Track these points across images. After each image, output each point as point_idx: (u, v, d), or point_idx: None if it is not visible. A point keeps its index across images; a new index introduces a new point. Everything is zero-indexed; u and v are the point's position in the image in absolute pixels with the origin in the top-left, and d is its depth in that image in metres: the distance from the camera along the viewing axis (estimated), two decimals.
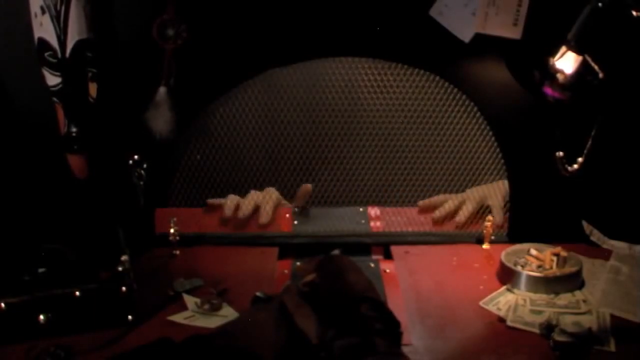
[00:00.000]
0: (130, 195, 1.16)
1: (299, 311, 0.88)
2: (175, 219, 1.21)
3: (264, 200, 1.31)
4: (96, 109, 1.12)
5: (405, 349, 0.92)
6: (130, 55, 1.14)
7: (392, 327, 0.86)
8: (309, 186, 1.32)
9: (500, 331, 0.99)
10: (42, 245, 1.03)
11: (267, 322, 0.88)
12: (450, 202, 1.32)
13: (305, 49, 1.19)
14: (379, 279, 1.14)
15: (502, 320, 1.00)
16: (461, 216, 1.29)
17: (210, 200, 1.31)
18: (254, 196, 1.32)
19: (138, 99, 1.15)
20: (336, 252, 1.07)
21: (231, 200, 1.31)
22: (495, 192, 1.30)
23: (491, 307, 1.04)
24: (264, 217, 1.29)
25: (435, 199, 1.33)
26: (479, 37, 1.14)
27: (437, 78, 1.24)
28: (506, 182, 1.29)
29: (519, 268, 1.10)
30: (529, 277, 1.08)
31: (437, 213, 1.31)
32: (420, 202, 1.33)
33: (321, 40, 1.17)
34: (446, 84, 1.24)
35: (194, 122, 1.23)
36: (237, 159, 1.32)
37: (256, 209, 1.31)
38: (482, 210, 1.30)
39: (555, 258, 1.12)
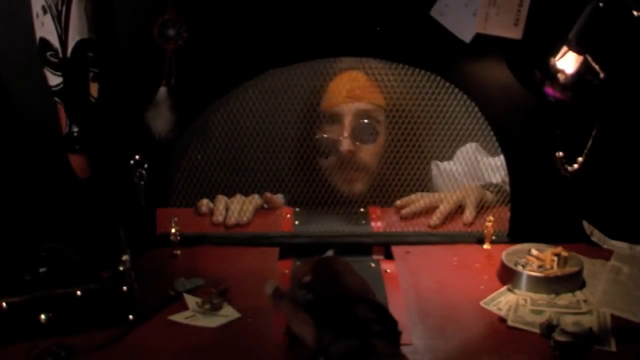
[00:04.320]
0: (131, 195, 1.16)
1: (295, 317, 0.88)
2: (176, 219, 1.21)
3: (247, 202, 1.32)
4: (97, 109, 1.12)
5: (406, 349, 0.92)
6: (131, 55, 1.14)
7: (390, 327, 0.86)
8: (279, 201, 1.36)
9: (501, 331, 0.99)
10: (43, 244, 1.03)
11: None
12: (422, 200, 1.32)
13: (305, 49, 1.19)
14: (380, 279, 1.14)
15: (502, 320, 1.00)
16: (435, 219, 1.29)
17: (200, 209, 1.32)
18: (239, 200, 1.33)
19: (139, 99, 1.15)
20: (330, 253, 1.06)
21: (219, 201, 1.32)
22: (472, 192, 1.31)
23: (492, 307, 1.04)
24: (245, 216, 1.30)
25: (411, 197, 1.33)
26: (479, 37, 1.14)
27: (437, 78, 1.24)
28: (479, 186, 1.32)
29: (519, 268, 1.10)
30: (530, 277, 1.08)
31: (404, 212, 1.31)
32: (398, 202, 1.33)
33: (321, 40, 1.17)
34: (446, 84, 1.24)
35: (195, 122, 1.23)
36: (238, 159, 1.32)
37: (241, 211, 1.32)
38: (457, 211, 1.31)
39: (556, 258, 1.11)
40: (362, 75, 1.33)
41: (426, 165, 1.32)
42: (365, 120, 1.35)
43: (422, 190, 1.33)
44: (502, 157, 1.34)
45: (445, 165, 1.41)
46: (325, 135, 1.35)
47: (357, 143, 1.35)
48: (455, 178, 1.36)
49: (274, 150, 1.35)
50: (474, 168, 1.36)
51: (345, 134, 1.34)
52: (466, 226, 1.29)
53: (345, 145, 1.34)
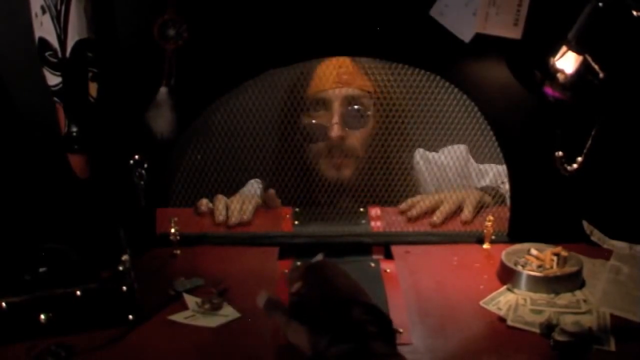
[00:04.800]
0: (131, 195, 1.16)
1: (289, 327, 0.88)
2: (175, 219, 1.21)
3: (246, 201, 1.32)
4: (97, 109, 1.12)
5: (406, 349, 0.92)
6: (131, 55, 1.14)
7: (385, 327, 0.85)
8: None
9: (500, 331, 0.99)
10: (43, 244, 1.03)
11: None
12: (425, 201, 1.32)
13: (305, 49, 1.19)
14: (380, 278, 1.14)
15: (502, 319, 1.01)
16: (437, 217, 1.30)
17: (200, 209, 1.32)
18: (238, 199, 1.33)
19: (139, 99, 1.15)
20: (319, 257, 1.05)
21: (219, 201, 1.32)
22: (471, 194, 1.32)
23: (491, 307, 1.04)
24: (246, 215, 1.30)
25: (414, 199, 1.34)
26: (479, 37, 1.14)
27: (437, 78, 1.24)
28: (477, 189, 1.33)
29: (519, 268, 1.10)
30: (530, 277, 1.08)
31: (413, 212, 1.32)
32: (404, 205, 1.33)
33: (321, 40, 1.17)
34: (446, 84, 1.24)
35: (195, 122, 1.23)
36: (238, 159, 1.32)
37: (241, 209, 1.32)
38: (457, 211, 1.31)
39: (555, 258, 1.12)
40: (350, 61, 1.33)
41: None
42: (355, 107, 1.35)
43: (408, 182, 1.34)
44: (487, 166, 1.36)
45: (432, 155, 1.41)
46: (314, 121, 1.35)
47: (346, 129, 1.35)
48: (445, 171, 1.36)
49: (274, 150, 1.35)
50: (461, 166, 1.36)
51: (335, 120, 1.34)
52: (465, 225, 1.29)
53: (336, 131, 1.34)
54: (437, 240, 1.27)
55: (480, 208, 1.32)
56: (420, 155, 1.44)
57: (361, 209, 1.35)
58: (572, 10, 1.02)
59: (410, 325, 0.99)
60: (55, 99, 1.10)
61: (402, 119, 1.28)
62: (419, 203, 1.33)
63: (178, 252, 1.21)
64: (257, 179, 1.46)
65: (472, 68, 1.19)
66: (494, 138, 1.24)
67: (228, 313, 1.02)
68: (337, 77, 1.33)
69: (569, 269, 1.10)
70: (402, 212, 1.33)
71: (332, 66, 1.33)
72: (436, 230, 1.29)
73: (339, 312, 0.84)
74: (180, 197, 1.30)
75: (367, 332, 0.81)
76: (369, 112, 1.36)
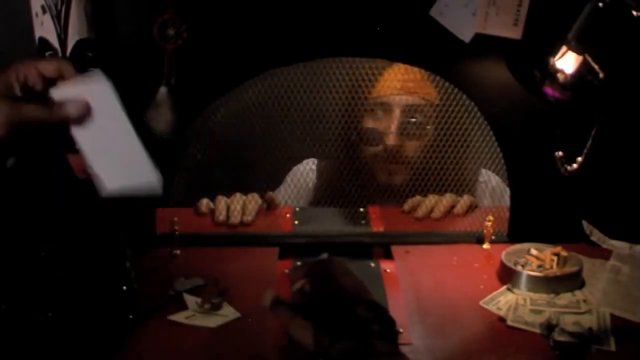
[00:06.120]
0: (131, 195, 1.16)
1: (293, 323, 0.88)
2: (176, 219, 1.21)
3: (247, 201, 1.33)
4: None
5: (406, 349, 0.92)
6: (131, 55, 1.14)
7: (388, 327, 0.85)
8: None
9: (500, 331, 0.99)
10: (42, 245, 1.03)
11: None
12: (426, 201, 1.34)
13: (305, 49, 1.19)
14: (380, 278, 1.14)
15: (502, 319, 1.01)
16: (437, 212, 1.32)
17: (200, 209, 1.33)
18: (239, 199, 1.33)
19: (139, 99, 1.15)
20: (324, 255, 1.06)
21: (219, 201, 1.32)
22: (466, 196, 1.35)
23: (491, 307, 1.04)
24: (250, 215, 1.31)
25: (414, 199, 1.35)
26: (479, 37, 1.14)
27: (437, 78, 1.24)
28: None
29: (519, 268, 1.10)
30: (529, 277, 1.08)
31: (419, 212, 1.33)
32: (406, 206, 1.35)
33: (321, 40, 1.17)
34: (446, 84, 1.24)
35: (195, 122, 1.23)
36: (238, 159, 1.32)
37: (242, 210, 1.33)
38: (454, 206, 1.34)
39: (555, 258, 1.12)
40: (417, 69, 1.31)
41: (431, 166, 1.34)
42: (413, 119, 1.34)
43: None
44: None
45: (498, 182, 1.42)
46: (371, 126, 1.35)
47: (404, 138, 1.36)
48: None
49: (275, 149, 1.35)
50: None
51: (393, 128, 1.35)
52: (464, 225, 1.29)
53: (392, 140, 1.35)
54: (437, 240, 1.27)
55: (472, 207, 1.34)
56: (488, 177, 1.43)
57: (361, 209, 1.35)
58: (572, 10, 1.02)
59: (410, 325, 0.99)
60: None
61: (463, 132, 1.28)
62: (422, 202, 1.34)
63: (178, 252, 1.21)
64: (313, 159, 1.46)
65: (472, 68, 1.19)
66: (494, 138, 1.24)
67: (228, 313, 1.02)
68: (402, 83, 1.32)
69: (569, 269, 1.10)
70: (404, 212, 1.34)
71: (399, 72, 1.31)
72: (436, 230, 1.30)
73: (342, 310, 0.85)
74: (180, 197, 1.30)
75: (370, 331, 0.82)
76: (429, 126, 1.34)
